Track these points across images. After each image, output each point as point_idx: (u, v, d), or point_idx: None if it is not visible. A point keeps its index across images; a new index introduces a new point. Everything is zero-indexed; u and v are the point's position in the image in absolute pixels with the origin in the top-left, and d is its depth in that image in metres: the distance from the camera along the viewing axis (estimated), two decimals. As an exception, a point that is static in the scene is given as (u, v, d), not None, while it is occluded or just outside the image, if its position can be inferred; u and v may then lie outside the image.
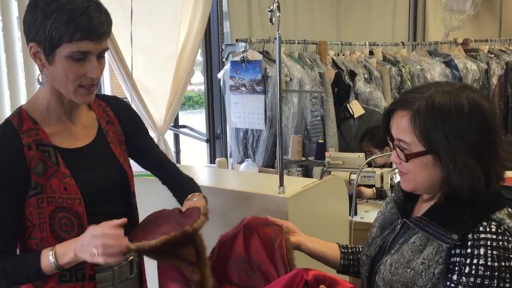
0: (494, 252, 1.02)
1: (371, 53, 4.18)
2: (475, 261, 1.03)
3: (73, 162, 1.30)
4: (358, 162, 2.86)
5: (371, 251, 1.26)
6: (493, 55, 4.71)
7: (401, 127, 1.11)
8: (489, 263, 1.02)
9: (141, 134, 1.54)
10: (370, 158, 2.62)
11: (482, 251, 1.02)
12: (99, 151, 1.38)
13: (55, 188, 1.26)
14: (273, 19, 1.55)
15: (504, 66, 4.59)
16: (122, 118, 1.47)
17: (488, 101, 1.10)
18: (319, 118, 3.52)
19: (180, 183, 1.56)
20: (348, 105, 3.67)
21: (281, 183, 1.72)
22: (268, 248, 1.36)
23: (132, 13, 2.73)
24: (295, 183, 1.82)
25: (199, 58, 3.80)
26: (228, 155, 3.72)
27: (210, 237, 1.88)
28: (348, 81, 3.74)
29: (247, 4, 3.80)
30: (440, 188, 1.11)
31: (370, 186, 2.92)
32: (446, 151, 1.06)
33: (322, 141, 3.32)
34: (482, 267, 1.02)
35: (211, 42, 3.71)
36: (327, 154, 3.04)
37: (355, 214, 2.69)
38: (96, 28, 1.18)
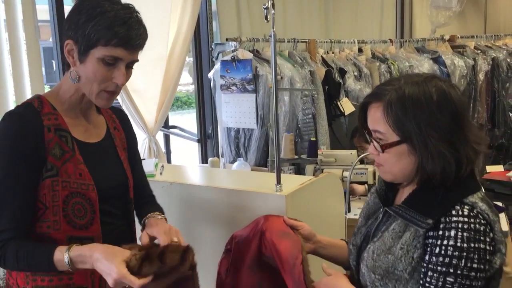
0: (465, 234, 1.06)
1: (360, 50, 4.20)
2: (445, 242, 1.07)
3: (86, 154, 1.35)
4: (350, 159, 2.87)
5: (356, 240, 1.30)
6: (479, 51, 4.76)
7: (376, 118, 1.16)
8: (458, 244, 1.06)
9: (134, 149, 1.58)
10: (362, 155, 2.63)
11: (452, 232, 1.07)
12: (107, 150, 1.43)
13: (70, 172, 1.29)
14: (268, 17, 1.55)
15: (491, 62, 4.65)
16: (125, 128, 1.54)
17: (455, 89, 1.15)
18: (310, 116, 3.52)
19: (148, 206, 1.56)
20: (338, 102, 3.68)
21: (278, 181, 1.72)
22: (285, 265, 1.37)
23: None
24: (292, 181, 1.82)
25: (187, 58, 3.78)
26: (220, 154, 3.70)
27: (211, 235, 1.87)
28: (338, 78, 3.75)
29: (235, 4, 3.80)
30: (415, 175, 1.15)
31: (363, 183, 2.93)
32: (419, 139, 1.11)
33: (314, 139, 3.33)
34: (451, 248, 1.07)
35: (201, 41, 3.70)
36: (319, 152, 3.04)
37: (349, 211, 2.70)
38: (132, 38, 1.26)
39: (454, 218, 1.08)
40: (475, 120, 4.62)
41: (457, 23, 5.60)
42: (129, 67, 1.32)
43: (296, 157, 3.31)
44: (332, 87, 3.66)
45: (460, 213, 1.09)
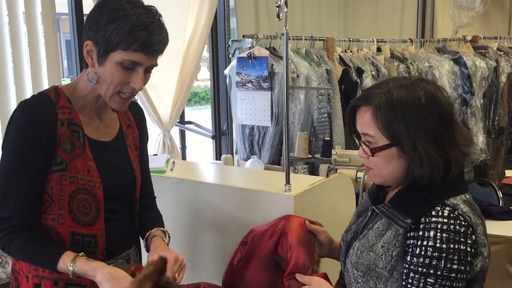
0: (444, 235, 1.07)
1: (378, 50, 4.14)
2: (424, 242, 1.08)
3: (96, 151, 1.35)
4: (365, 160, 2.83)
5: (347, 237, 1.32)
6: (502, 52, 4.65)
7: (365, 121, 1.17)
8: (437, 245, 1.07)
9: (144, 147, 1.57)
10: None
11: (432, 233, 1.08)
12: (117, 150, 1.43)
13: (79, 168, 1.30)
14: (281, 15, 1.53)
15: (514, 64, 4.54)
16: (139, 125, 1.52)
17: (442, 91, 1.16)
18: (325, 115, 3.49)
19: (149, 214, 1.55)
20: (355, 102, 3.64)
21: (287, 181, 1.70)
22: (294, 271, 1.39)
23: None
24: (302, 181, 1.80)
25: (205, 54, 3.78)
26: (234, 151, 3.70)
27: (217, 233, 1.87)
28: (355, 78, 3.70)
29: (254, 0, 3.78)
30: (405, 178, 1.16)
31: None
32: (408, 142, 1.11)
33: (328, 138, 3.30)
34: (431, 248, 1.07)
35: (218, 38, 3.69)
36: (333, 151, 3.01)
37: (362, 212, 2.67)
38: (153, 44, 1.24)
39: (434, 219, 1.09)
40: (496, 123, 4.53)
41: (480, 24, 5.49)
42: (147, 71, 1.30)
43: (310, 156, 3.28)
44: (349, 86, 3.62)
45: (440, 213, 1.09)
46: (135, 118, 1.51)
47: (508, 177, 3.64)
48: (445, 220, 1.08)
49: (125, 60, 1.24)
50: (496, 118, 4.53)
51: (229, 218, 1.82)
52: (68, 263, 1.23)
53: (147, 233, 1.46)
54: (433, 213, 1.10)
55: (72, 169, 1.29)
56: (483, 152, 4.39)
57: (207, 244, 1.91)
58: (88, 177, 1.31)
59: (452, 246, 1.06)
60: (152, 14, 1.25)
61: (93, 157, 1.33)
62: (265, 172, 2.61)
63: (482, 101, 4.38)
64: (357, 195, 2.39)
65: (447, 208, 1.10)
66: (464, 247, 1.07)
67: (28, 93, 2.54)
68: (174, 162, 2.16)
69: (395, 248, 1.13)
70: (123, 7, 1.22)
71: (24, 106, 1.28)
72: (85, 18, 2.67)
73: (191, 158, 4.08)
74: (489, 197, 2.99)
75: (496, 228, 2.28)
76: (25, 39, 2.51)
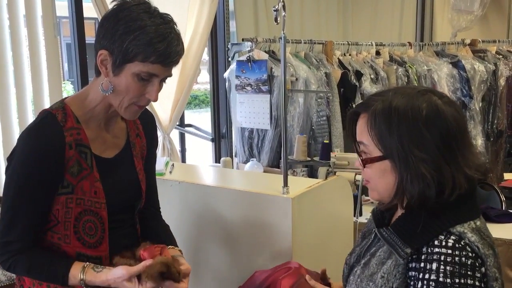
0: (448, 268, 0.96)
1: (377, 53, 4.16)
2: (426, 276, 0.98)
3: (102, 169, 1.32)
4: (363, 163, 2.84)
5: (350, 260, 1.22)
6: (501, 56, 4.67)
7: (361, 129, 1.08)
8: (440, 279, 0.96)
9: (152, 157, 1.53)
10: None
11: (434, 265, 0.97)
12: (123, 163, 1.39)
13: (86, 190, 1.28)
14: (278, 19, 1.55)
15: (512, 67, 4.56)
16: (148, 134, 1.48)
17: (453, 107, 1.04)
18: (324, 118, 3.50)
19: (157, 223, 1.55)
20: (354, 105, 3.65)
21: (285, 184, 1.71)
22: None
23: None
24: (300, 184, 1.82)
25: (206, 57, 3.79)
26: (233, 154, 3.71)
27: (216, 234, 1.88)
28: (354, 81, 3.72)
29: (253, 4, 3.79)
30: (394, 195, 1.05)
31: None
32: (400, 156, 1.01)
33: (327, 141, 3.31)
34: (433, 283, 0.97)
35: (217, 41, 3.70)
36: (332, 154, 3.03)
37: (360, 215, 2.67)
38: (171, 55, 1.21)
39: (436, 249, 0.98)
40: (495, 126, 4.54)
41: (479, 27, 5.51)
42: (162, 81, 1.28)
43: (308, 159, 3.30)
44: (348, 89, 3.63)
45: (444, 243, 0.98)
46: (144, 127, 1.47)
47: (506, 180, 3.66)
48: (449, 251, 0.97)
49: (142, 72, 1.21)
50: (495, 122, 4.54)
51: (228, 220, 1.83)
52: (78, 277, 1.24)
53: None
54: (436, 242, 0.99)
55: (79, 191, 1.27)
56: (482, 155, 4.40)
57: (205, 246, 1.91)
58: (95, 199, 1.29)
59: (457, 280, 0.95)
60: (170, 25, 1.23)
61: (100, 177, 1.31)
62: (263, 175, 2.62)
63: (481, 105, 4.39)
64: (355, 198, 2.40)
65: (452, 237, 0.99)
66: (472, 281, 0.95)
67: (29, 97, 2.55)
68: (173, 165, 2.18)
69: (395, 280, 1.02)
70: (141, 17, 1.19)
71: (31, 133, 1.25)
72: (85, 21, 2.65)
73: (191, 161, 4.09)
74: (491, 200, 3.00)
75: (494, 231, 2.28)
76: (25, 42, 2.52)
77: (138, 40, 1.18)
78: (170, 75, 1.28)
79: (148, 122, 1.49)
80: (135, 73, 1.21)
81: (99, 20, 1.28)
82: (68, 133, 1.26)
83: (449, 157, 1.01)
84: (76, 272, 1.25)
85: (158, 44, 1.18)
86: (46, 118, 1.27)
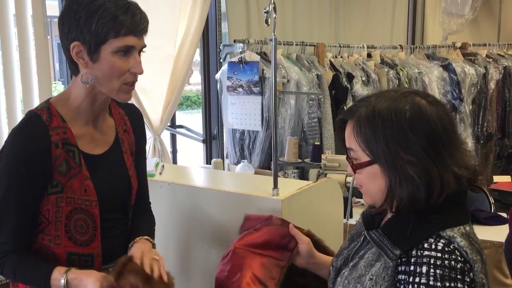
0: (438, 271, 0.96)
1: (369, 55, 4.18)
2: (416, 279, 0.97)
3: (91, 167, 1.32)
4: (354, 165, 2.85)
5: (337, 262, 1.22)
6: (491, 59, 4.70)
7: (348, 136, 1.09)
8: (431, 283, 0.96)
9: (141, 152, 1.53)
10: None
11: (424, 269, 0.97)
12: (113, 160, 1.39)
13: (75, 189, 1.28)
14: (269, 21, 1.55)
15: (502, 71, 4.59)
16: (136, 129, 1.48)
17: (438, 107, 1.04)
18: (316, 120, 3.51)
19: (141, 219, 1.52)
20: (345, 107, 3.67)
21: (275, 185, 1.71)
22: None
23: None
24: (290, 185, 1.82)
25: (198, 58, 3.79)
26: (225, 156, 3.71)
27: (205, 236, 1.87)
28: (346, 83, 3.73)
29: (245, 5, 3.79)
30: (385, 199, 1.05)
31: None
32: (388, 159, 1.02)
33: (318, 143, 3.32)
34: (424, 286, 0.96)
35: (209, 42, 3.70)
36: (323, 156, 3.03)
37: (351, 216, 2.68)
38: (139, 24, 1.24)
39: (426, 252, 0.98)
40: (485, 129, 4.58)
41: (470, 31, 5.55)
42: (139, 53, 1.28)
43: (299, 160, 3.30)
44: (339, 91, 3.64)
45: (434, 247, 0.98)
46: (131, 123, 1.47)
47: (496, 182, 3.68)
48: (439, 255, 0.97)
49: (119, 47, 1.21)
50: (485, 124, 4.57)
51: (217, 222, 1.82)
52: (61, 276, 1.22)
53: (132, 242, 1.42)
54: (426, 245, 0.99)
55: (69, 190, 1.27)
56: (473, 158, 4.42)
57: (195, 248, 1.91)
58: (85, 197, 1.29)
59: (447, 284, 0.95)
60: None
61: (90, 174, 1.30)
62: (254, 177, 2.61)
63: (471, 107, 4.43)
64: (345, 199, 2.41)
65: (442, 240, 0.99)
66: (462, 285, 0.96)
67: (18, 96, 2.54)
68: (163, 166, 2.17)
69: (384, 282, 1.02)
70: None
71: (16, 134, 1.25)
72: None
73: (182, 162, 4.07)
74: (480, 202, 3.02)
75: (483, 233, 2.31)
76: (15, 42, 2.50)
77: (104, 18, 1.19)
78: (145, 45, 1.29)
79: (135, 118, 1.50)
80: (113, 51, 1.22)
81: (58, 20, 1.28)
82: (54, 132, 1.26)
83: (435, 158, 1.01)
84: (58, 275, 1.22)
85: (123, 16, 1.21)
86: (31, 119, 1.27)
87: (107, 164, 1.37)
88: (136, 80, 1.30)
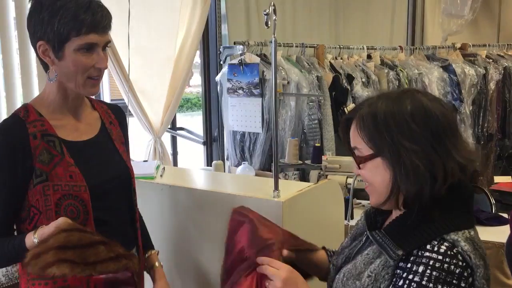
0: (434, 273, 0.95)
1: (369, 57, 4.18)
2: (410, 276, 0.97)
3: (77, 153, 1.36)
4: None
5: (338, 260, 1.22)
6: (491, 60, 4.70)
7: (352, 135, 1.11)
8: (423, 282, 0.95)
9: (127, 152, 1.56)
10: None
11: (421, 268, 0.97)
12: (103, 145, 1.44)
13: (61, 176, 1.31)
14: (269, 23, 1.55)
15: (502, 71, 4.59)
16: (121, 126, 1.54)
17: (438, 103, 1.06)
18: (316, 121, 3.51)
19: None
20: (345, 109, 3.67)
21: (276, 187, 1.71)
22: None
23: (130, 14, 2.72)
24: (291, 187, 1.81)
25: (198, 60, 3.79)
26: (225, 158, 3.71)
27: (206, 238, 1.87)
28: (346, 85, 3.73)
29: (245, 7, 3.80)
30: (391, 193, 1.05)
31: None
32: (391, 150, 1.03)
33: (319, 144, 3.32)
34: (415, 284, 0.96)
35: (209, 44, 3.71)
36: (324, 157, 3.03)
37: (352, 218, 2.68)
38: (100, 21, 1.28)
39: (427, 253, 0.98)
40: (485, 130, 4.58)
41: (469, 31, 5.55)
42: (104, 49, 1.33)
43: (300, 162, 3.30)
44: (340, 93, 3.64)
45: (436, 249, 0.97)
46: (117, 119, 1.53)
47: (497, 183, 3.68)
48: (440, 257, 0.96)
49: (81, 45, 1.27)
50: (485, 125, 4.57)
51: (219, 224, 1.82)
52: (32, 235, 1.22)
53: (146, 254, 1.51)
54: (428, 247, 0.98)
55: (54, 178, 1.30)
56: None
57: (196, 251, 1.91)
58: (72, 183, 1.31)
59: (440, 287, 0.94)
60: None
61: (75, 161, 1.33)
62: (255, 178, 2.61)
63: (471, 108, 4.43)
64: (346, 201, 2.41)
65: (445, 243, 0.98)
66: None
67: (19, 99, 2.54)
68: (164, 168, 2.17)
69: (383, 281, 1.02)
70: None
71: None
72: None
73: (183, 164, 4.07)
74: (481, 203, 3.02)
75: (484, 233, 2.30)
76: (15, 45, 2.51)
77: (65, 18, 1.24)
78: (109, 41, 1.34)
79: (120, 116, 1.56)
80: (76, 49, 1.27)
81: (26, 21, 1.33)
82: (31, 125, 1.31)
83: (439, 147, 1.02)
84: (30, 236, 1.23)
85: (83, 15, 1.25)
86: (8, 118, 1.36)
87: (97, 150, 1.42)
88: (102, 74, 1.35)
